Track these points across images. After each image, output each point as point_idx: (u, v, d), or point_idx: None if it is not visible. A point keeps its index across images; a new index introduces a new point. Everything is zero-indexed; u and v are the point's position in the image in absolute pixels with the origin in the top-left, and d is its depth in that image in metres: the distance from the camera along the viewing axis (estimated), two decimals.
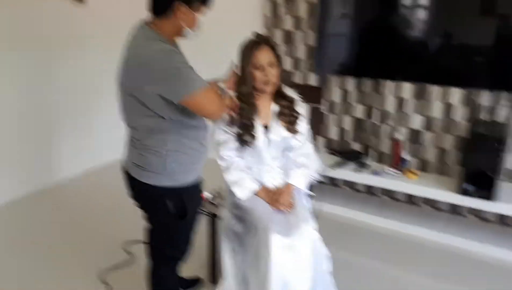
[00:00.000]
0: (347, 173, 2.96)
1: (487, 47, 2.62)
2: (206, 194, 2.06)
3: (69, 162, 3.51)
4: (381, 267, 2.47)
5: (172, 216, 1.65)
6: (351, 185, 3.30)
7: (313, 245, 1.77)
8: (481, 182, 2.50)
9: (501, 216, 2.81)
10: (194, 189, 1.73)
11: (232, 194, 1.89)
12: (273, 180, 1.94)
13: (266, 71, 1.79)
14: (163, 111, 1.53)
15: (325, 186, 3.28)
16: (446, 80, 2.75)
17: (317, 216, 2.81)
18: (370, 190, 3.25)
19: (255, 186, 1.88)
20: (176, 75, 1.45)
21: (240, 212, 1.85)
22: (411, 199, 3.10)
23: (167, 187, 1.62)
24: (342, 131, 3.25)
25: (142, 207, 1.74)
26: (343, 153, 3.16)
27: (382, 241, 2.75)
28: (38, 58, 3.17)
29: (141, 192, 1.69)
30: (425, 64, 2.82)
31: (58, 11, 3.23)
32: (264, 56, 1.79)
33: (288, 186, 1.91)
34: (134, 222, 1.81)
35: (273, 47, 1.84)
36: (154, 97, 1.49)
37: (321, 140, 3.33)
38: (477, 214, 2.89)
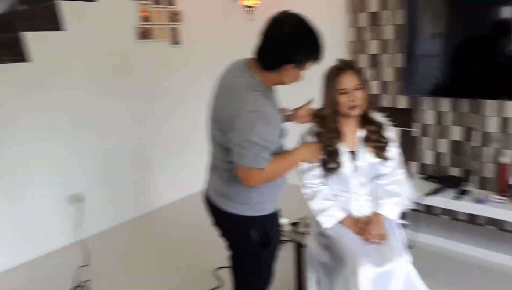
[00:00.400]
0: (446, 201, 2.73)
1: None
2: (283, 220, 2.05)
3: (165, 191, 3.77)
4: None
5: (257, 245, 1.66)
6: (450, 213, 3.04)
7: (407, 278, 1.65)
8: None
9: None
10: (275, 217, 1.74)
11: (317, 223, 1.86)
12: (361, 209, 1.86)
13: (351, 95, 1.75)
14: None
15: (421, 215, 3.06)
16: None
17: (412, 246, 2.65)
18: (472, 220, 2.95)
19: (342, 215, 1.83)
20: (245, 147, 1.47)
21: (327, 241, 1.81)
22: None
23: (252, 217, 1.65)
24: (437, 155, 3.03)
25: (224, 235, 1.78)
26: (440, 179, 2.93)
27: (487, 276, 2.47)
28: (142, 100, 3.52)
29: (224, 221, 1.73)
30: None
31: (159, 52, 3.57)
32: (348, 80, 1.76)
33: (378, 216, 1.82)
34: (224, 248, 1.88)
35: (358, 71, 1.80)
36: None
37: (415, 165, 3.14)
38: None
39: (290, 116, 1.87)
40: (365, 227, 1.77)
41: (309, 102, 1.87)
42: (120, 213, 3.45)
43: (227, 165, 1.64)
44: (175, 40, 3.65)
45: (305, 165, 1.88)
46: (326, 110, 1.81)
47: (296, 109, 1.88)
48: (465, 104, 2.83)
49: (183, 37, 3.71)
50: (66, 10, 2.93)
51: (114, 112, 3.32)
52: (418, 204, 2.72)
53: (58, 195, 3.05)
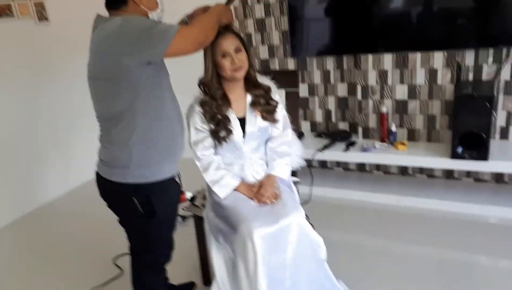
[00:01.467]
0: (336, 153, 2.91)
1: (467, 6, 2.55)
2: (187, 194, 2.00)
3: (53, 184, 3.46)
4: (381, 243, 2.43)
5: (142, 216, 1.57)
6: (343, 165, 3.26)
7: (301, 230, 1.71)
8: (473, 144, 2.45)
9: (497, 175, 2.77)
10: (166, 186, 1.62)
11: (213, 193, 1.84)
12: (255, 174, 1.88)
13: (234, 57, 1.72)
14: (136, 87, 1.45)
15: (316, 170, 3.24)
16: (427, 45, 2.68)
17: (308, 201, 2.80)
18: (362, 168, 3.20)
19: (235, 182, 1.82)
20: (152, 33, 1.39)
21: (223, 211, 1.80)
22: (404, 171, 3.06)
23: (134, 184, 1.54)
24: (327, 112, 3.19)
25: (111, 208, 1.67)
26: (330, 134, 3.10)
27: (380, 217, 2.70)
28: (13, 83, 3.10)
29: (107, 191, 1.63)
30: (404, 32, 2.75)
31: (24, 31, 3.15)
32: (229, 43, 1.72)
33: (270, 177, 1.85)
34: (124, 235, 1.77)
35: (237, 34, 1.77)
36: (128, 70, 1.41)
37: (307, 124, 3.28)
38: (473, 176, 2.85)
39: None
40: (259, 190, 1.79)
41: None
42: (6, 212, 3.10)
43: (103, 124, 1.56)
44: (41, 16, 3.25)
45: (195, 137, 1.83)
46: (210, 76, 1.75)
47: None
48: (347, 61, 2.98)
49: (51, 13, 3.31)
50: None
51: None
52: (311, 160, 2.86)
53: None
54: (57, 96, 3.42)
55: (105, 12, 1.55)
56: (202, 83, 1.79)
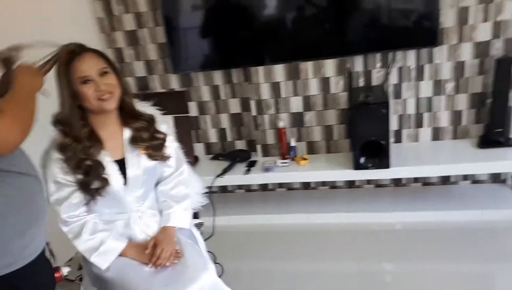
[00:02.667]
0: (237, 177, 2.63)
1: (350, 12, 2.48)
2: (64, 270, 1.51)
3: None
4: (293, 265, 2.26)
5: None
6: (244, 187, 3.00)
7: None
8: (373, 152, 2.37)
9: (396, 179, 2.78)
10: (37, 269, 1.17)
11: (90, 264, 1.38)
12: (146, 229, 1.48)
13: (99, 83, 1.30)
14: None
15: (216, 195, 2.92)
16: (317, 53, 2.55)
17: (212, 234, 2.47)
18: (265, 187, 2.98)
19: (121, 245, 1.40)
20: None
21: (106, 287, 1.36)
22: (307, 185, 2.92)
23: None
24: (221, 131, 2.89)
25: None
26: (228, 155, 2.81)
27: (288, 238, 2.53)
28: None
29: None
30: (293, 42, 2.58)
31: None
32: (89, 65, 1.31)
33: (167, 231, 1.46)
34: None
35: (98, 52, 1.35)
36: None
37: (200, 146, 2.94)
38: (373, 182, 2.82)
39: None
40: (153, 250, 1.39)
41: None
42: None
43: None
44: None
45: (56, 194, 1.35)
46: (68, 111, 1.30)
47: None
48: (237, 74, 2.72)
49: None
50: None
51: None
52: (211, 187, 2.53)
53: None
54: None
55: None
56: (58, 121, 1.32)
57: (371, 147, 2.37)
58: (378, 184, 2.81)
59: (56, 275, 1.67)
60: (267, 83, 2.63)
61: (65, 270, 1.78)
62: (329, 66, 2.55)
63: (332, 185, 2.88)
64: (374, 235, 2.43)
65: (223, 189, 3.00)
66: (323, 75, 2.58)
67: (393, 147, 2.58)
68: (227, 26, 2.62)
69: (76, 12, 2.71)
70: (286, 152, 2.67)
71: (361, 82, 2.60)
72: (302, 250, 2.37)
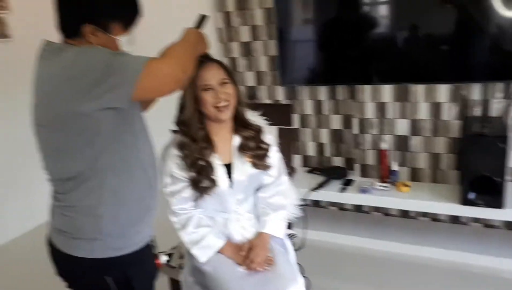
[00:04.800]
0: (332, 194, 2.60)
1: (473, 35, 2.32)
2: (162, 258, 1.65)
3: (11, 224, 3.02)
4: None
5: None
6: (338, 205, 2.95)
7: None
8: (485, 188, 2.17)
9: (509, 222, 2.50)
10: (143, 256, 1.30)
11: (191, 256, 1.49)
12: (243, 231, 1.55)
13: (218, 92, 1.41)
14: (99, 140, 1.12)
15: (308, 209, 2.91)
16: (430, 76, 2.43)
17: (302, 247, 2.47)
18: (359, 208, 2.90)
19: (219, 243, 1.48)
20: (111, 71, 1.06)
21: (203, 278, 1.45)
22: (405, 213, 2.77)
23: (105, 259, 1.21)
24: (320, 146, 2.90)
25: (71, 287, 1.31)
26: (324, 170, 2.80)
27: (379, 265, 2.41)
28: None
29: (67, 268, 1.27)
30: (405, 62, 2.49)
31: None
32: (212, 74, 1.42)
33: (263, 237, 1.52)
34: None
35: (221, 64, 1.47)
36: (87, 118, 1.09)
37: (298, 158, 2.97)
38: (482, 221, 2.57)
39: None
40: (248, 253, 1.45)
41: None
42: None
43: (60, 185, 1.20)
44: (1, 33, 2.88)
45: (171, 186, 1.49)
46: (190, 114, 1.43)
47: None
48: (342, 91, 2.71)
49: (13, 29, 2.94)
50: None
51: None
52: (304, 200, 2.54)
53: None
54: (14, 127, 3.02)
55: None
56: (180, 122, 1.46)
57: (482, 183, 2.18)
58: (487, 224, 2.56)
59: (156, 261, 1.83)
60: (372, 102, 2.58)
61: (163, 258, 1.95)
62: (442, 91, 2.41)
63: (434, 218, 2.69)
64: (477, 280, 2.21)
65: (316, 203, 2.99)
66: (435, 100, 2.44)
67: (509, 186, 2.34)
68: (336, 42, 2.63)
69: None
70: (386, 176, 2.58)
71: (477, 112, 2.40)
72: (392, 280, 2.26)
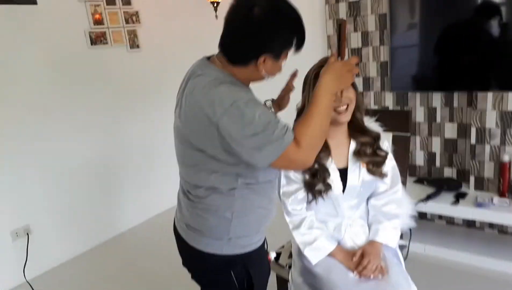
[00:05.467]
0: (442, 206, 2.47)
1: None
2: (271, 254, 1.74)
3: (130, 213, 3.39)
4: None
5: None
6: (446, 218, 2.79)
7: None
8: None
9: None
10: (261, 253, 1.43)
11: (302, 255, 1.55)
12: (354, 237, 1.56)
13: (339, 94, 1.41)
14: (232, 169, 1.24)
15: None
16: None
17: (405, 258, 2.38)
18: (471, 223, 2.70)
19: (331, 246, 1.52)
20: (257, 138, 1.11)
21: (314, 280, 1.50)
22: None
23: (230, 256, 1.33)
24: (430, 155, 2.77)
25: (198, 279, 1.46)
26: (434, 181, 2.67)
27: (488, 285, 2.23)
28: (100, 109, 3.12)
29: (197, 261, 1.40)
30: None
31: (117, 58, 3.19)
32: None
33: (375, 245, 1.52)
34: None
35: None
36: (225, 155, 1.20)
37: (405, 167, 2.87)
38: None
39: (279, 98, 1.58)
40: (360, 260, 1.47)
41: (294, 74, 1.52)
42: (78, 243, 3.05)
43: (197, 191, 1.32)
44: (133, 43, 3.27)
45: (286, 187, 1.56)
46: None
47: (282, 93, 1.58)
48: (458, 98, 2.56)
49: (142, 40, 3.33)
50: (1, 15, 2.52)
51: (66, 129, 2.92)
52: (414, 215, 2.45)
53: (0, 230, 2.63)
54: (143, 123, 3.41)
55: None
56: None
57: None
58: None
59: (268, 258, 1.93)
60: (495, 110, 2.39)
61: (272, 255, 2.04)
62: None
63: None
64: None
65: (422, 215, 2.86)
66: None
67: None
68: (451, 45, 2.50)
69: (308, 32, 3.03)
70: (507, 190, 2.37)
71: None
72: None
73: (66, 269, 2.89)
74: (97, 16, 3.01)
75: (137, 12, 3.26)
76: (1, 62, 2.55)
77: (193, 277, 1.46)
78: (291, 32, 1.20)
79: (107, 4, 3.06)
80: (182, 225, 1.40)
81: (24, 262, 2.70)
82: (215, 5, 3.39)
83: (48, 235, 2.84)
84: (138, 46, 3.30)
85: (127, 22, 3.21)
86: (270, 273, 1.57)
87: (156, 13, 3.39)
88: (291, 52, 1.23)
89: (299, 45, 1.22)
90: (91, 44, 3.00)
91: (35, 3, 2.67)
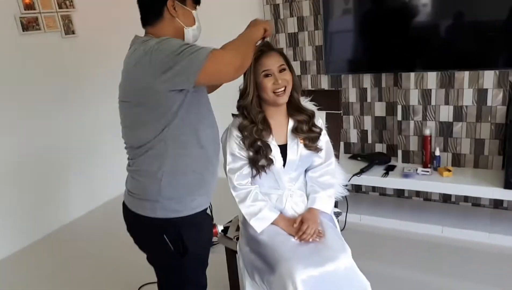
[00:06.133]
0: (374, 179, 2.71)
1: None
2: (219, 227, 1.84)
3: (75, 203, 3.34)
4: (420, 277, 2.22)
5: (172, 254, 1.43)
6: (379, 190, 3.05)
7: (350, 273, 1.53)
8: None
9: None
10: (199, 221, 1.48)
11: (248, 226, 1.67)
12: (295, 206, 1.70)
13: (277, 77, 1.56)
14: (167, 115, 1.32)
15: (350, 194, 3.03)
16: (476, 63, 2.48)
17: (342, 228, 2.59)
18: (400, 193, 2.99)
19: (274, 215, 1.65)
20: (180, 57, 1.24)
21: (259, 247, 1.62)
22: (447, 199, 2.83)
23: (164, 219, 1.40)
24: (363, 133, 3.00)
25: (138, 244, 1.53)
26: (367, 156, 2.91)
27: (420, 248, 2.49)
28: (36, 100, 3.00)
29: (134, 225, 1.49)
30: (450, 50, 2.54)
31: (50, 45, 3.07)
32: (272, 61, 1.57)
33: (313, 212, 1.67)
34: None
35: (281, 52, 1.62)
36: (159, 96, 1.29)
37: (340, 145, 3.09)
38: None
39: None
40: (300, 226, 1.61)
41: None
42: (21, 237, 2.96)
43: (132, 152, 1.42)
44: (67, 29, 3.17)
45: (231, 164, 1.67)
46: (251, 98, 1.59)
47: None
48: (386, 78, 2.80)
49: (77, 26, 3.23)
50: None
51: (2, 118, 2.80)
52: (347, 185, 2.66)
53: None
54: (82, 112, 3.32)
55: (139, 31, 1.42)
56: (242, 106, 1.63)
57: None
58: None
59: (214, 230, 2.01)
60: (417, 89, 2.65)
61: (219, 228, 2.14)
62: (489, 77, 2.46)
63: (475, 203, 2.75)
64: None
65: (358, 189, 3.11)
66: (481, 87, 2.49)
67: None
68: (380, 31, 2.71)
69: (245, 16, 3.12)
70: (429, 161, 2.65)
71: None
72: (432, 263, 2.33)
73: (9, 263, 2.80)
74: (27, 0, 2.88)
75: None
76: None
77: (135, 242, 1.52)
78: None
79: None
80: (126, 191, 1.49)
81: None
82: None
83: None
84: (73, 32, 3.20)
85: (60, 7, 3.10)
86: (212, 243, 1.64)
87: None
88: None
89: None
90: (23, 30, 2.87)
91: None
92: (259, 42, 1.55)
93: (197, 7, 1.47)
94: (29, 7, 2.90)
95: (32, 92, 2.97)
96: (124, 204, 1.49)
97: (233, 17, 3.13)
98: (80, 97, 3.29)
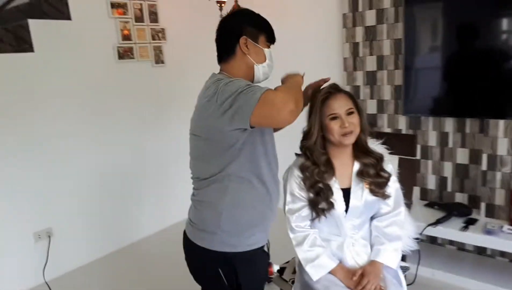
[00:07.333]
0: (451, 231, 2.48)
1: None
2: (274, 267, 1.80)
3: (146, 222, 3.51)
4: None
5: (225, 289, 1.43)
6: (457, 244, 2.78)
7: None
8: None
9: None
10: (254, 257, 1.47)
11: (303, 271, 1.60)
12: (356, 256, 1.61)
13: (344, 120, 1.51)
14: (232, 151, 1.35)
15: (424, 245, 2.80)
16: None
17: (412, 282, 2.39)
18: (480, 251, 2.69)
19: (332, 264, 1.57)
20: (238, 97, 1.26)
21: None
22: None
23: (220, 253, 1.41)
24: (442, 180, 2.78)
25: (194, 275, 1.54)
26: (444, 206, 2.68)
27: None
28: (123, 121, 3.27)
29: (192, 255, 1.51)
30: None
31: (141, 73, 3.35)
32: (339, 104, 1.53)
33: (376, 265, 1.56)
34: None
35: (349, 94, 1.58)
36: (224, 134, 1.33)
37: (416, 190, 2.89)
38: None
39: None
40: (360, 279, 1.51)
41: (326, 79, 1.62)
42: (95, 248, 3.17)
43: (197, 183, 1.46)
44: (158, 59, 3.44)
45: (291, 204, 1.64)
46: (314, 140, 1.56)
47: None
48: (471, 124, 2.59)
49: (166, 56, 3.49)
50: (37, 30, 2.71)
51: (90, 138, 3.07)
52: (420, 234, 2.47)
53: (24, 232, 2.77)
54: (163, 136, 3.54)
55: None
56: (304, 146, 1.61)
57: None
58: None
59: (269, 269, 1.98)
60: (506, 138, 2.41)
61: (275, 267, 2.10)
62: None
63: None
64: None
65: (433, 240, 2.87)
66: None
67: None
68: (467, 72, 2.53)
69: (325, 54, 3.13)
70: None
71: None
72: None
73: (84, 272, 3.01)
74: (125, 32, 3.19)
75: (163, 29, 3.44)
76: (39, 71, 2.74)
77: (191, 272, 1.54)
78: (257, 18, 1.46)
79: (136, 21, 3.25)
80: (188, 220, 1.53)
81: (44, 263, 2.83)
82: None
83: (69, 238, 2.98)
84: (163, 62, 3.46)
85: (153, 38, 3.38)
86: (266, 281, 1.61)
87: (181, 30, 3.55)
88: (266, 40, 1.47)
89: (267, 30, 1.47)
90: (119, 58, 3.17)
91: (69, 18, 2.86)
92: (325, 85, 1.54)
93: (271, 45, 1.50)
94: (126, 38, 3.20)
95: (122, 113, 3.24)
96: (184, 233, 1.54)
97: (314, 56, 3.18)
98: (161, 123, 3.52)
